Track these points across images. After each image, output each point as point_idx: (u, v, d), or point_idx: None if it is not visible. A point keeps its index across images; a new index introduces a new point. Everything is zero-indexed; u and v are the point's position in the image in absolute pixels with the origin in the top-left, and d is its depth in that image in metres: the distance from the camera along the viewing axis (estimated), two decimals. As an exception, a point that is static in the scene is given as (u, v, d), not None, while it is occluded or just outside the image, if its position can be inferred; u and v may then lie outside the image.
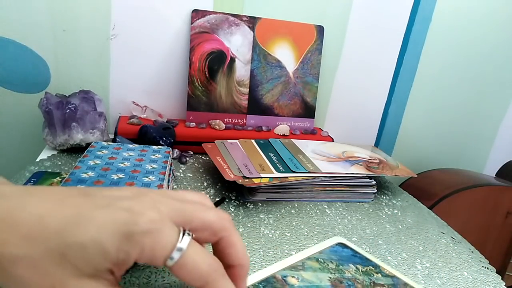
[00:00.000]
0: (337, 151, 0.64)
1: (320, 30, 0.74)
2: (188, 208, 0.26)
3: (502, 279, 0.42)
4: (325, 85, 0.80)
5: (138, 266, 0.35)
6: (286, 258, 0.38)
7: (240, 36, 0.69)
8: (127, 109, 0.69)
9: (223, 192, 0.53)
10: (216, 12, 0.67)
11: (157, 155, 0.49)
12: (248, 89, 0.71)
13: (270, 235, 0.44)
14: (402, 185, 0.87)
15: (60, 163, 0.55)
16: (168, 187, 0.45)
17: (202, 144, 0.59)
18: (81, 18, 0.63)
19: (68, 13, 0.62)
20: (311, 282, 0.34)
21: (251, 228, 0.45)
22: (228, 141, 0.60)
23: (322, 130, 0.77)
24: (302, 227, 0.47)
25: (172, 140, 0.62)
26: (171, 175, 0.50)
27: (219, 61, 0.68)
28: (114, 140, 0.59)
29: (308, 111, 0.75)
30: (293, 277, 0.34)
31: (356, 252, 0.40)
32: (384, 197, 0.60)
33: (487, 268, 0.44)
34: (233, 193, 0.53)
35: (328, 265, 0.37)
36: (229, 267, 0.27)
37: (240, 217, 0.47)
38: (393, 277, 0.37)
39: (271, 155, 0.58)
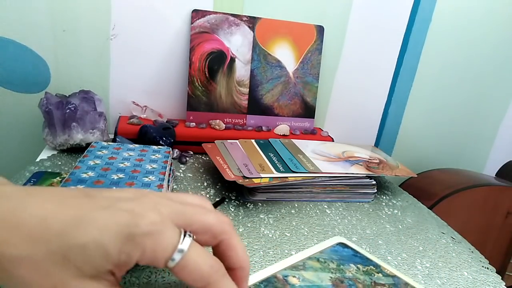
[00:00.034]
0: (337, 151, 0.64)
1: (320, 30, 0.74)
2: (188, 211, 0.26)
3: (502, 279, 0.42)
4: (325, 85, 0.80)
5: (139, 267, 0.35)
6: (287, 258, 0.38)
7: (240, 36, 0.69)
8: (127, 109, 0.69)
9: (223, 192, 0.53)
10: (216, 12, 0.67)
11: (157, 155, 0.49)
12: (248, 89, 0.71)
13: (270, 235, 0.44)
14: (402, 185, 0.87)
15: (60, 163, 0.55)
16: (168, 187, 0.45)
17: (202, 144, 0.59)
18: (81, 18, 0.63)
19: (68, 13, 0.62)
20: (312, 282, 0.34)
21: (251, 228, 0.45)
22: (228, 141, 0.60)
23: (322, 130, 0.77)
24: (302, 227, 0.47)
25: (172, 140, 0.62)
26: (171, 175, 0.50)
27: (219, 61, 0.68)
28: (114, 140, 0.59)
29: (308, 111, 0.75)
30: (294, 276, 0.34)
31: (357, 252, 0.40)
32: (384, 197, 0.60)
33: (487, 268, 0.44)
34: (233, 193, 0.53)
35: (329, 265, 0.37)
36: (230, 270, 0.27)
37: (240, 217, 0.47)
38: (394, 276, 0.37)
39: (271, 155, 0.58)
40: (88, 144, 0.56)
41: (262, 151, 0.59)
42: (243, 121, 0.72)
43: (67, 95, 0.60)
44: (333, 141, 0.73)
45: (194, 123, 0.67)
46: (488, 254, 0.49)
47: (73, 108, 0.56)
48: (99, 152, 0.47)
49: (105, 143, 0.50)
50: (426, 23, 0.81)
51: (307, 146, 0.63)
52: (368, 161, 0.61)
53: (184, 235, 0.24)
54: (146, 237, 0.23)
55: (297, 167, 0.54)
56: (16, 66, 0.63)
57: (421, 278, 0.40)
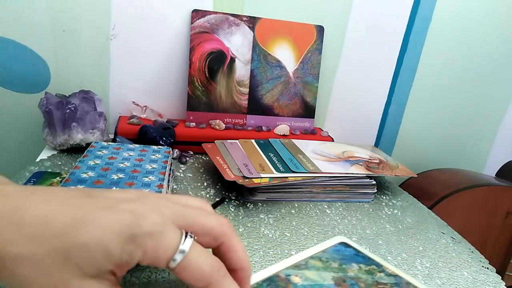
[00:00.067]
0: (337, 151, 0.64)
1: (320, 30, 0.74)
2: (189, 213, 0.26)
3: (502, 279, 0.42)
4: (325, 85, 0.80)
5: (139, 267, 0.35)
6: (289, 257, 0.38)
7: (240, 36, 0.69)
8: (127, 109, 0.69)
9: (223, 192, 0.53)
10: (216, 12, 0.67)
11: (157, 155, 0.49)
12: (248, 89, 0.71)
13: (270, 235, 0.44)
14: (402, 185, 0.87)
15: (60, 163, 0.55)
16: (168, 187, 0.45)
17: (202, 144, 0.59)
18: (81, 18, 0.63)
19: (68, 13, 0.62)
20: (315, 281, 0.34)
21: (251, 228, 0.45)
22: (228, 141, 0.60)
23: (322, 130, 0.77)
24: (302, 227, 0.47)
25: (172, 140, 0.62)
26: (171, 175, 0.50)
27: (219, 61, 0.68)
28: (114, 140, 0.59)
29: (308, 111, 0.75)
30: (296, 276, 0.34)
31: (359, 252, 0.40)
32: (384, 197, 0.60)
33: (487, 268, 0.44)
34: (233, 193, 0.53)
35: (331, 264, 0.37)
36: (231, 271, 0.27)
37: (240, 217, 0.47)
38: (396, 276, 0.37)
39: (271, 155, 0.58)
40: (88, 144, 0.56)
41: (262, 151, 0.59)
42: (243, 121, 0.72)
43: (67, 95, 0.60)
44: (333, 141, 0.73)
45: (194, 123, 0.67)
46: (488, 254, 0.49)
47: (73, 108, 0.56)
48: (99, 152, 0.47)
49: (105, 143, 0.50)
50: (426, 23, 0.81)
51: (307, 146, 0.63)
52: (368, 161, 0.61)
53: (186, 236, 0.24)
54: (148, 237, 0.23)
55: (297, 167, 0.54)
56: (16, 66, 0.63)
57: (421, 278, 0.40)
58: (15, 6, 0.60)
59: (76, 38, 0.64)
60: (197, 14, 0.66)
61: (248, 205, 0.50)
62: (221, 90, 0.69)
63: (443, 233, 0.51)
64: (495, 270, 0.44)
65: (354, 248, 0.41)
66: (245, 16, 0.69)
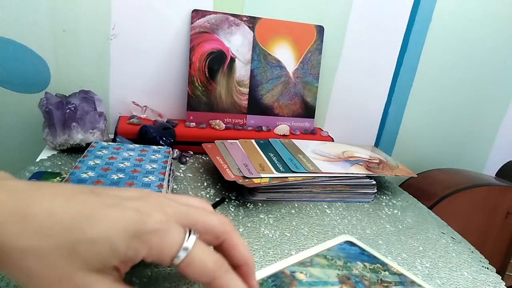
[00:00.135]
0: (337, 151, 0.64)
1: (320, 30, 0.74)
2: (191, 212, 0.27)
3: (502, 279, 0.42)
4: (325, 85, 0.80)
5: (139, 266, 0.35)
6: (294, 255, 0.38)
7: (240, 36, 0.69)
8: (127, 109, 0.69)
9: (223, 192, 0.53)
10: (216, 12, 0.67)
11: (157, 155, 0.49)
12: (248, 89, 0.71)
13: (270, 235, 0.44)
14: (402, 185, 0.87)
15: (60, 163, 0.55)
16: (168, 187, 0.45)
17: (202, 144, 0.59)
18: (81, 18, 0.63)
19: (68, 13, 0.62)
20: (319, 278, 0.34)
21: (251, 228, 0.45)
22: (228, 141, 0.60)
23: (322, 130, 0.77)
24: (302, 227, 0.47)
25: (172, 140, 0.62)
26: (171, 175, 0.50)
27: (219, 61, 0.68)
28: (114, 140, 0.59)
29: (308, 111, 0.75)
30: (301, 273, 0.34)
31: (364, 250, 0.40)
32: (384, 197, 0.60)
33: (487, 268, 0.44)
34: (233, 193, 0.53)
35: (336, 262, 0.37)
36: (235, 268, 0.27)
37: (240, 217, 0.47)
38: (400, 275, 0.37)
39: (271, 155, 0.58)
40: (88, 144, 0.56)
41: (262, 151, 0.59)
42: (243, 121, 0.72)
43: (67, 95, 0.60)
44: (333, 141, 0.73)
45: (194, 123, 0.67)
46: (488, 254, 0.49)
47: (73, 108, 0.56)
48: (99, 152, 0.47)
49: (105, 143, 0.50)
50: (426, 23, 0.81)
51: (307, 146, 0.63)
52: (368, 161, 0.61)
53: (189, 234, 0.25)
54: (152, 234, 0.23)
55: (297, 167, 0.54)
56: (16, 66, 0.63)
57: (421, 278, 0.40)
58: (15, 6, 0.60)
59: (76, 38, 0.64)
60: (197, 14, 0.66)
61: (248, 205, 0.50)
62: (221, 90, 0.69)
63: (443, 233, 0.51)
64: (495, 270, 0.44)
65: (359, 247, 0.41)
66: (245, 16, 0.69)
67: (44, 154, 0.57)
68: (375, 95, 0.85)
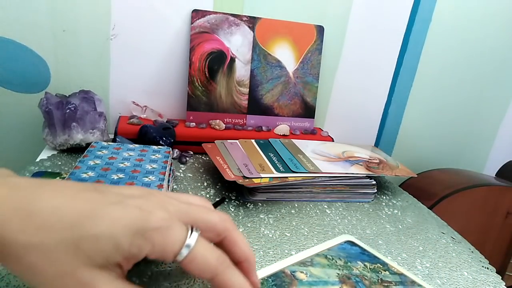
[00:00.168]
0: (337, 151, 0.64)
1: (320, 30, 0.74)
2: (193, 210, 0.27)
3: (502, 279, 0.42)
4: (325, 85, 0.80)
5: (139, 266, 0.35)
6: (295, 255, 0.38)
7: (240, 36, 0.69)
8: (127, 109, 0.69)
9: (223, 192, 0.53)
10: (216, 12, 0.67)
11: (157, 155, 0.49)
12: (248, 89, 0.71)
13: (270, 235, 0.44)
14: (402, 185, 0.87)
15: (60, 163, 0.55)
16: (168, 187, 0.45)
17: (202, 144, 0.59)
18: (81, 18, 0.63)
19: (68, 13, 0.62)
20: (320, 278, 0.34)
21: (251, 228, 0.45)
22: (228, 141, 0.60)
23: (322, 130, 0.77)
24: (302, 227, 0.47)
25: (172, 140, 0.62)
26: (171, 175, 0.50)
27: (219, 61, 0.68)
28: (114, 140, 0.59)
29: (308, 111, 0.75)
30: (301, 272, 0.34)
31: (365, 250, 0.40)
32: (384, 197, 0.60)
33: (487, 268, 0.44)
34: (233, 193, 0.53)
35: (336, 261, 0.37)
36: (236, 264, 0.28)
37: (240, 217, 0.47)
38: (400, 274, 0.37)
39: (271, 155, 0.58)
40: (88, 144, 0.56)
41: (262, 151, 0.59)
42: (243, 121, 0.72)
43: (67, 95, 0.60)
44: (333, 141, 0.73)
45: (194, 123, 0.67)
46: (488, 254, 0.49)
47: (73, 108, 0.56)
48: (99, 152, 0.47)
49: (105, 143, 0.50)
50: (426, 23, 0.81)
51: (307, 146, 0.63)
52: (368, 161, 0.61)
53: (191, 231, 0.26)
54: (155, 232, 0.24)
55: (297, 167, 0.54)
56: (16, 66, 0.63)
57: (421, 278, 0.40)
58: (15, 6, 0.60)
59: (76, 38, 0.64)
60: (197, 14, 0.66)
61: (248, 205, 0.50)
62: (221, 90, 0.69)
63: (443, 233, 0.51)
64: (495, 270, 0.44)
65: (360, 247, 0.41)
66: (245, 16, 0.69)
67: (44, 154, 0.57)
68: (375, 95, 0.85)
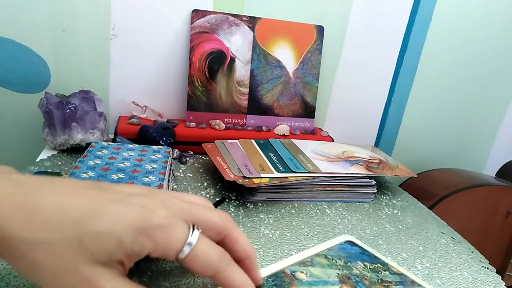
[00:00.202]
0: (337, 151, 0.64)
1: (320, 30, 0.74)
2: (194, 209, 0.28)
3: (502, 279, 0.42)
4: (325, 85, 0.80)
5: (139, 266, 0.35)
6: (295, 255, 0.38)
7: (240, 36, 0.69)
8: (127, 109, 0.69)
9: (223, 192, 0.53)
10: (216, 12, 0.67)
11: (157, 155, 0.49)
12: (248, 89, 0.71)
13: (270, 235, 0.44)
14: (402, 185, 0.87)
15: (60, 163, 0.55)
16: (168, 187, 0.45)
17: (202, 144, 0.59)
18: (81, 18, 0.63)
19: (68, 13, 0.62)
20: (320, 278, 0.34)
21: (251, 228, 0.45)
22: (228, 141, 0.60)
23: (322, 130, 0.77)
24: (302, 227, 0.47)
25: (172, 140, 0.62)
26: (171, 175, 0.50)
27: (219, 61, 0.68)
28: (114, 140, 0.59)
29: (308, 111, 0.75)
30: (301, 272, 0.34)
31: (365, 250, 0.40)
32: (384, 197, 0.60)
33: (487, 268, 0.44)
34: (233, 193, 0.53)
35: (336, 261, 0.37)
36: (238, 262, 0.28)
37: (240, 217, 0.47)
38: (401, 274, 0.37)
39: (271, 155, 0.58)
40: (88, 144, 0.56)
41: (262, 151, 0.59)
42: (243, 121, 0.72)
43: (67, 95, 0.60)
44: (333, 141, 0.73)
45: (194, 123, 0.67)
46: (488, 254, 0.49)
47: (73, 108, 0.56)
48: (99, 152, 0.47)
49: (105, 143, 0.50)
50: (426, 23, 0.81)
51: (307, 146, 0.63)
52: (368, 161, 0.61)
53: (193, 229, 0.26)
54: (158, 230, 0.24)
55: (297, 167, 0.54)
56: (16, 66, 0.63)
57: (421, 278, 0.40)
58: (15, 6, 0.60)
59: (76, 38, 0.64)
60: (197, 14, 0.66)
61: (248, 205, 0.50)
62: (221, 90, 0.69)
63: (443, 233, 0.51)
64: (495, 270, 0.44)
65: (360, 247, 0.41)
66: (245, 16, 0.69)
67: (44, 154, 0.57)
68: (375, 95, 0.85)
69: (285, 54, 0.72)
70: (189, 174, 0.57)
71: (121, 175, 0.41)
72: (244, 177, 0.49)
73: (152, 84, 0.70)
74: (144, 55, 0.68)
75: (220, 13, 0.67)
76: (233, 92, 0.70)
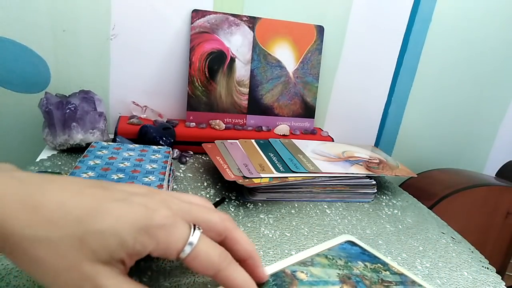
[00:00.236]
0: (337, 151, 0.64)
1: (320, 30, 0.74)
2: (194, 209, 0.28)
3: (502, 279, 0.42)
4: (325, 85, 0.80)
5: (139, 266, 0.35)
6: (295, 254, 0.38)
7: (240, 36, 0.69)
8: (127, 109, 0.69)
9: (223, 192, 0.53)
10: (216, 12, 0.67)
11: (157, 155, 0.49)
12: (248, 89, 0.71)
13: (270, 235, 0.44)
14: (402, 185, 0.87)
15: (60, 163, 0.55)
16: (168, 187, 0.45)
17: (202, 144, 0.59)
18: (81, 18, 0.63)
19: (68, 13, 0.62)
20: (320, 278, 0.34)
21: (251, 228, 0.45)
22: (228, 141, 0.60)
23: (322, 130, 0.77)
24: (302, 227, 0.47)
25: (172, 140, 0.62)
26: (171, 175, 0.50)
27: (219, 61, 0.68)
28: (114, 140, 0.59)
29: (308, 111, 0.75)
30: (302, 272, 0.34)
31: (365, 250, 0.40)
32: (384, 197, 0.60)
33: (487, 268, 0.44)
34: (233, 193, 0.53)
35: (337, 261, 0.37)
36: (241, 262, 0.28)
37: (240, 217, 0.47)
38: (401, 274, 0.37)
39: (271, 155, 0.58)
40: (88, 144, 0.56)
41: (262, 151, 0.59)
42: (243, 121, 0.72)
43: (67, 95, 0.60)
44: (333, 141, 0.73)
45: (194, 123, 0.67)
46: (488, 254, 0.49)
47: (73, 108, 0.56)
48: (99, 152, 0.47)
49: (105, 143, 0.50)
50: (426, 23, 0.81)
51: (307, 146, 0.63)
52: (368, 161, 0.61)
53: (194, 229, 0.26)
54: (160, 229, 0.24)
55: (297, 167, 0.54)
56: (16, 66, 0.63)
57: (421, 278, 0.40)
58: (15, 6, 0.60)
59: (76, 38, 0.64)
60: (197, 14, 0.66)
61: (248, 205, 0.50)
62: (221, 90, 0.69)
63: (443, 233, 0.51)
64: (495, 270, 0.44)
65: (360, 247, 0.41)
66: (245, 16, 0.69)
67: (44, 154, 0.57)
68: (375, 95, 0.85)
69: (285, 54, 0.72)
70: (189, 174, 0.57)
71: (121, 175, 0.41)
72: (244, 177, 0.49)
73: (152, 84, 0.70)
74: (144, 55, 0.68)
75: (220, 13, 0.67)
76: (233, 92, 0.70)
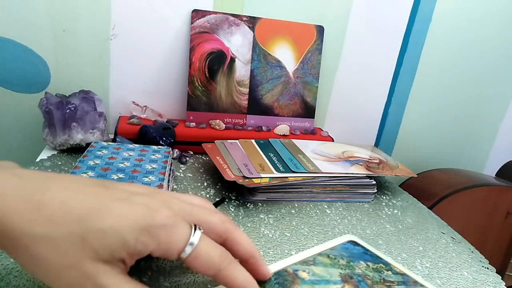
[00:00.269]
0: (337, 151, 0.64)
1: (320, 30, 0.74)
2: (195, 210, 0.28)
3: (502, 279, 0.42)
4: (325, 85, 0.80)
5: (139, 266, 0.35)
6: (297, 254, 0.38)
7: (240, 36, 0.69)
8: (127, 109, 0.69)
9: (223, 192, 0.53)
10: (216, 12, 0.67)
11: (157, 155, 0.49)
12: (248, 89, 0.71)
13: (270, 235, 0.44)
14: (402, 185, 0.87)
15: (60, 163, 0.55)
16: (168, 187, 0.45)
17: (202, 144, 0.59)
18: (81, 18, 0.63)
19: (68, 13, 0.62)
20: (322, 277, 0.34)
21: (251, 228, 0.45)
22: (228, 141, 0.60)
23: (322, 130, 0.77)
24: (302, 227, 0.47)
25: (172, 140, 0.62)
26: (171, 175, 0.50)
27: (219, 61, 0.68)
28: (114, 140, 0.59)
29: (308, 111, 0.75)
30: (304, 271, 0.34)
31: (367, 250, 0.40)
32: (384, 197, 0.60)
33: (487, 268, 0.44)
34: (233, 193, 0.53)
35: (339, 261, 0.37)
36: (243, 263, 0.29)
37: (240, 217, 0.47)
38: (403, 274, 0.37)
39: (271, 155, 0.58)
40: (88, 144, 0.56)
41: (262, 151, 0.59)
42: (243, 121, 0.72)
43: (67, 95, 0.60)
44: (333, 141, 0.73)
45: (194, 123, 0.67)
46: (488, 254, 0.49)
47: (73, 108, 0.56)
48: (99, 152, 0.47)
49: (105, 143, 0.50)
50: (426, 23, 0.81)
51: (307, 146, 0.63)
52: (368, 161, 0.61)
53: (195, 229, 0.26)
54: (161, 229, 0.24)
55: (297, 167, 0.54)
56: (16, 66, 0.63)
57: (421, 278, 0.40)
58: (15, 6, 0.60)
59: (76, 38, 0.64)
60: (197, 14, 0.66)
61: (248, 205, 0.50)
62: (221, 90, 0.69)
63: (443, 233, 0.51)
64: (495, 270, 0.44)
65: (362, 247, 0.41)
66: (245, 16, 0.69)
67: (44, 154, 0.57)
68: (375, 95, 0.85)
69: (285, 54, 0.72)
70: (189, 174, 0.57)
71: (121, 175, 0.41)
72: (244, 177, 0.49)
73: (152, 84, 0.70)
74: (144, 55, 0.68)
75: (220, 13, 0.67)
76: (233, 92, 0.70)
